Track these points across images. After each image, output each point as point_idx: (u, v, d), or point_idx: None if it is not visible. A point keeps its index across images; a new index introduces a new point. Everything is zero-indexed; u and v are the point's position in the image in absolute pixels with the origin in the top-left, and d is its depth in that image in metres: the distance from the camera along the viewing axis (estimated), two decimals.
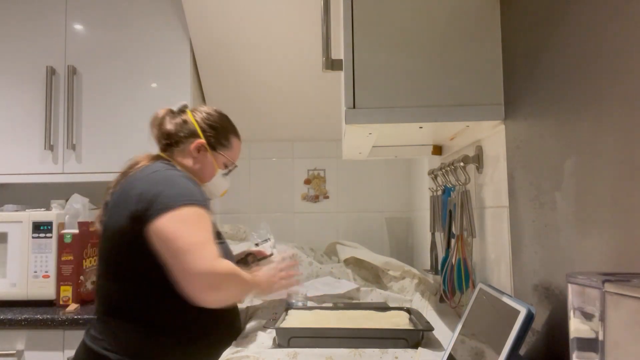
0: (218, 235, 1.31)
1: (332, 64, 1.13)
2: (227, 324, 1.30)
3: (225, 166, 1.39)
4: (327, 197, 2.44)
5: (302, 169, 2.46)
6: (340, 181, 2.45)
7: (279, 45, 2.04)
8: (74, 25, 2.12)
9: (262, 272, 1.29)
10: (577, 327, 0.53)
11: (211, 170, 1.35)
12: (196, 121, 1.33)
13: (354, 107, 1.05)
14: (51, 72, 2.07)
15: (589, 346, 0.50)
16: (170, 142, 1.33)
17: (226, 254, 1.26)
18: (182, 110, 1.36)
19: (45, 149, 2.05)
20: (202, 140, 1.32)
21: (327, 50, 1.14)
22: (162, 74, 2.09)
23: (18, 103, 2.09)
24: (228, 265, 1.12)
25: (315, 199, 2.44)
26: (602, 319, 0.48)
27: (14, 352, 1.70)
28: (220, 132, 1.36)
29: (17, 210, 1.98)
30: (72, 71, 2.08)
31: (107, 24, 2.11)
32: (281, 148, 2.47)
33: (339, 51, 1.11)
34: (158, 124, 1.35)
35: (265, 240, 1.44)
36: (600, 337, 0.48)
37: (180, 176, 1.20)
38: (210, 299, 1.10)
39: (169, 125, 1.33)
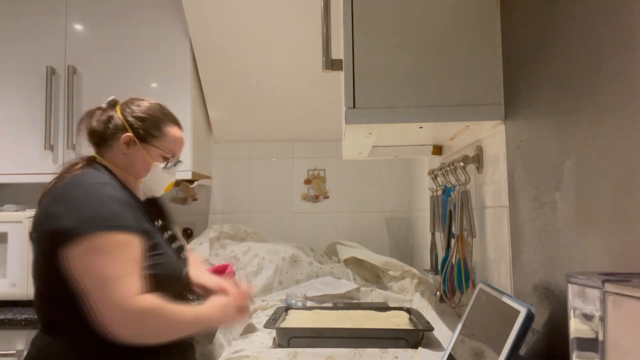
0: (172, 241, 1.27)
1: (332, 64, 1.13)
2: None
3: (164, 158, 1.25)
4: (327, 197, 2.45)
5: (302, 169, 2.46)
6: (340, 181, 2.45)
7: (279, 45, 2.04)
8: (74, 25, 2.12)
9: (212, 304, 1.20)
10: (577, 327, 0.53)
11: (145, 164, 1.23)
12: (123, 115, 1.23)
13: (354, 107, 1.05)
14: (51, 72, 2.07)
15: (589, 346, 0.50)
16: (98, 141, 1.24)
17: (172, 269, 1.19)
18: (110, 106, 1.26)
19: (45, 149, 2.05)
20: (130, 134, 1.21)
21: (327, 50, 1.14)
22: (162, 74, 2.09)
23: (18, 103, 2.09)
24: (149, 301, 1.03)
25: (315, 199, 2.44)
26: (602, 319, 0.48)
27: (14, 352, 1.70)
28: (150, 122, 1.24)
29: (17, 210, 1.98)
30: (72, 71, 2.08)
31: (107, 24, 2.11)
32: (281, 148, 2.47)
33: (339, 51, 1.11)
34: (85, 123, 1.26)
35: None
36: (600, 337, 0.48)
37: (105, 192, 1.10)
38: (127, 337, 1.01)
39: (94, 123, 1.24)
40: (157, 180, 1.26)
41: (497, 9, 1.06)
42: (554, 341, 0.82)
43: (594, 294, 0.49)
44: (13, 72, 2.10)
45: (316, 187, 2.44)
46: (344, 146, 1.44)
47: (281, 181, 2.45)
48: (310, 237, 2.35)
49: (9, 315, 1.72)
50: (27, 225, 1.87)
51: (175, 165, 1.29)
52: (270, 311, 1.51)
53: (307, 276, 1.90)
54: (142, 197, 1.27)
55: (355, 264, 2.00)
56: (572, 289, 0.54)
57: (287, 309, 1.44)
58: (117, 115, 1.23)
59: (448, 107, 1.05)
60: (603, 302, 0.48)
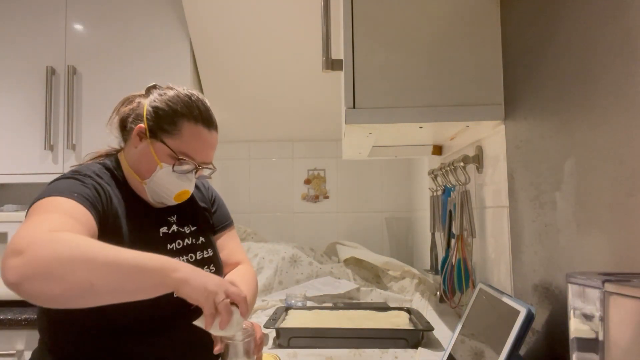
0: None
1: (332, 64, 1.13)
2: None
3: (175, 160, 1.01)
4: (327, 197, 2.45)
5: (302, 169, 2.46)
6: (340, 181, 2.45)
7: (278, 45, 2.04)
8: (74, 25, 2.12)
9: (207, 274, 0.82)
10: (577, 327, 0.53)
11: (149, 163, 1.02)
12: (148, 103, 1.05)
13: (354, 107, 1.05)
14: (51, 72, 2.07)
15: (589, 346, 0.50)
16: (121, 130, 1.09)
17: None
18: (147, 92, 1.10)
19: (45, 149, 2.05)
20: (142, 125, 1.02)
21: (327, 50, 1.14)
22: (162, 74, 2.09)
23: (18, 103, 2.09)
24: (60, 233, 0.77)
25: (315, 199, 2.44)
26: (602, 319, 0.48)
27: (14, 352, 1.70)
28: (164, 114, 1.02)
29: (17, 210, 1.98)
30: (72, 71, 2.08)
31: (107, 24, 2.11)
32: (281, 148, 2.47)
33: (339, 51, 1.11)
34: (117, 109, 1.10)
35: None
36: (600, 337, 0.48)
37: (74, 177, 0.98)
38: (11, 271, 0.70)
39: (123, 109, 1.09)
40: (162, 185, 1.02)
41: (497, 9, 1.06)
42: (554, 341, 0.82)
43: (594, 294, 0.49)
44: (13, 72, 2.10)
45: (316, 187, 2.44)
46: (344, 146, 1.44)
47: (281, 181, 2.45)
48: (310, 237, 2.35)
49: (9, 315, 1.72)
50: None
51: (194, 171, 1.04)
52: (270, 311, 1.51)
53: (307, 276, 1.90)
54: (152, 202, 1.07)
55: (355, 264, 2.00)
56: (572, 289, 0.54)
57: (287, 309, 1.44)
58: (144, 102, 1.06)
59: (448, 107, 1.05)
60: (603, 302, 0.48)
